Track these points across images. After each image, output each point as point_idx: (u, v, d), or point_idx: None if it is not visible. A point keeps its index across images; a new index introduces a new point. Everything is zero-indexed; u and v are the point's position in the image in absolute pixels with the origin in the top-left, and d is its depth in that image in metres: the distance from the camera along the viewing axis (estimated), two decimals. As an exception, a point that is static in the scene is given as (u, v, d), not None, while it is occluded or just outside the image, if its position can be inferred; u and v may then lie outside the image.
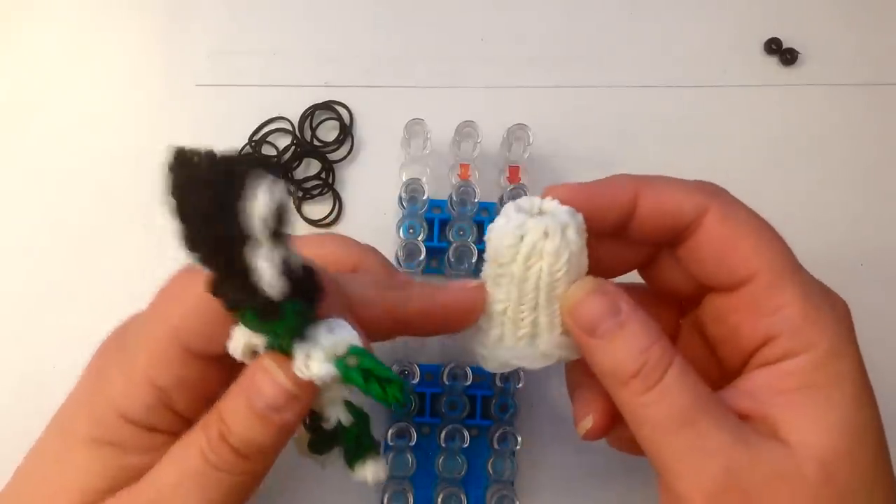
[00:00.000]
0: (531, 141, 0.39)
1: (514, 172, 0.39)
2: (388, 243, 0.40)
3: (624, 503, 0.38)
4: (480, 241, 0.38)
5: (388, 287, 0.28)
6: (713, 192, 0.27)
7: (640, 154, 0.43)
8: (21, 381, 0.38)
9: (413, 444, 0.36)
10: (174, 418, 0.26)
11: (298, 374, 0.23)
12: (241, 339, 0.24)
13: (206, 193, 0.19)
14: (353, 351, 0.24)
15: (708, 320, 0.29)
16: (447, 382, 0.37)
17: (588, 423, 0.29)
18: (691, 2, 0.46)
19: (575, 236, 0.26)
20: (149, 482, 0.25)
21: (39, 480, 0.27)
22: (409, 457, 0.36)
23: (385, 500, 0.36)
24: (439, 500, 0.36)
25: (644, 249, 0.30)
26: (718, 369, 0.30)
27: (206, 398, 0.26)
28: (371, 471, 0.27)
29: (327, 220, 0.41)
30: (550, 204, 0.27)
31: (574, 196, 0.27)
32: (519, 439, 0.36)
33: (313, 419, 0.26)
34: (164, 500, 0.25)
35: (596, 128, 0.43)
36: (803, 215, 0.42)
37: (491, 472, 0.36)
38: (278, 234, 0.20)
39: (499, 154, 0.41)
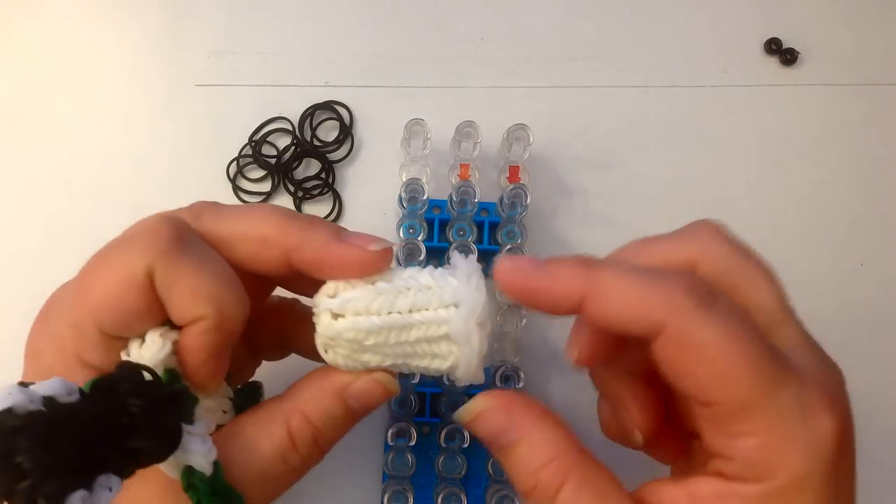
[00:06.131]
0: (531, 141, 0.39)
1: (514, 172, 0.39)
2: (388, 243, 0.40)
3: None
4: (480, 241, 0.38)
5: (288, 223, 0.26)
6: (675, 307, 0.23)
7: (639, 154, 0.43)
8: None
9: (413, 444, 0.36)
10: None
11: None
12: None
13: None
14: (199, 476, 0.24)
15: (674, 400, 0.28)
16: (447, 382, 0.37)
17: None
18: (691, 2, 0.46)
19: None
20: None
21: None
22: (409, 457, 0.36)
23: (385, 500, 0.36)
24: (439, 500, 0.36)
25: None
26: None
27: None
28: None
29: (327, 220, 0.41)
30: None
31: (515, 285, 0.25)
32: (519, 439, 0.36)
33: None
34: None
35: (596, 128, 0.43)
36: (803, 215, 0.42)
37: (491, 472, 0.36)
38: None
39: (499, 154, 0.41)
